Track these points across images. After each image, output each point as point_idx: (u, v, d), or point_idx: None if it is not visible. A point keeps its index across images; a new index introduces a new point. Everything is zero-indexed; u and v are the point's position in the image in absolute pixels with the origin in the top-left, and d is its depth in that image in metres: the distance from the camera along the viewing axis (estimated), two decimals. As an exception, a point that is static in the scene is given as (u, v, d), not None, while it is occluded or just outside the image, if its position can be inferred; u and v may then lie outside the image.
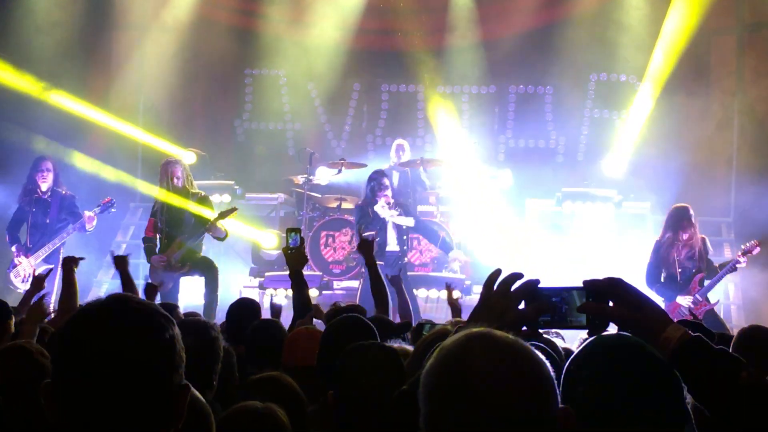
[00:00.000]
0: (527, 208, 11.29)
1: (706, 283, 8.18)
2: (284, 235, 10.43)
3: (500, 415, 1.37)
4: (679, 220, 8.23)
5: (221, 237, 8.36)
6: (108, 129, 11.39)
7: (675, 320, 1.84)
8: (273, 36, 12.99)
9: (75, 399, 1.43)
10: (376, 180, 9.03)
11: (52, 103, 10.74)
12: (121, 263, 5.88)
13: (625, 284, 1.81)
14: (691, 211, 8.29)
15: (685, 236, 8.21)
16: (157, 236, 8.44)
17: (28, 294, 6.35)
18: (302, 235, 5.20)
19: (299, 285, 4.94)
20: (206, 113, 13.49)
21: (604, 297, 1.80)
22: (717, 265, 8.26)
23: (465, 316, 4.03)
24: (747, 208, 11.20)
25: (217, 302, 8.21)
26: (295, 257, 5.03)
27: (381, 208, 8.85)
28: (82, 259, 5.86)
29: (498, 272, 1.89)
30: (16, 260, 8.98)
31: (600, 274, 1.86)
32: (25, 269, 8.88)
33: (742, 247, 8.26)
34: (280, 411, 2.57)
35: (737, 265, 8.14)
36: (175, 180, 8.37)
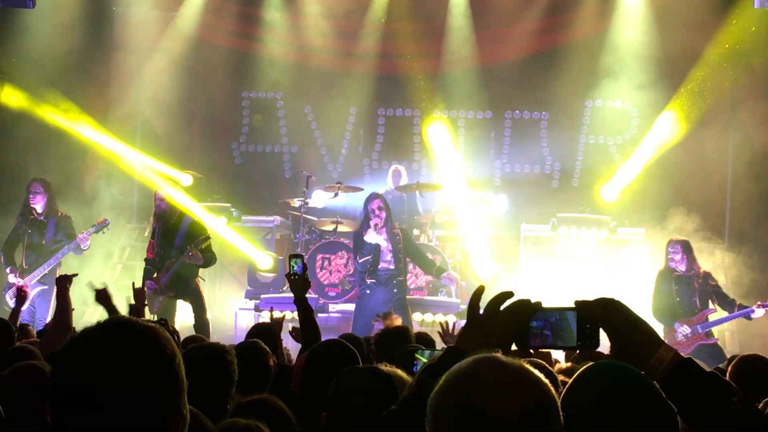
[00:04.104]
0: (522, 232, 11.31)
1: (714, 318, 8.25)
2: (281, 257, 10.54)
3: None
4: (677, 253, 8.40)
5: (199, 264, 8.31)
6: (105, 150, 11.40)
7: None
8: (270, 59, 13.07)
9: (75, 422, 1.42)
10: (367, 205, 8.96)
11: (49, 121, 10.74)
12: (102, 298, 5.49)
13: (618, 304, 1.82)
14: (684, 241, 8.46)
15: (684, 268, 8.36)
16: (156, 259, 8.45)
17: (16, 310, 6.34)
18: (305, 261, 5.28)
19: (305, 310, 5.02)
20: (203, 135, 13.52)
21: (595, 317, 1.81)
22: (738, 304, 8.27)
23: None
24: (742, 233, 11.25)
25: (209, 325, 8.23)
26: (298, 283, 5.13)
27: (371, 236, 8.79)
28: (75, 275, 5.84)
29: (481, 290, 1.90)
30: (12, 281, 8.95)
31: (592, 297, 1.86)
32: (20, 290, 8.85)
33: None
34: (264, 427, 2.57)
35: (752, 315, 8.14)
36: (158, 203, 8.42)
